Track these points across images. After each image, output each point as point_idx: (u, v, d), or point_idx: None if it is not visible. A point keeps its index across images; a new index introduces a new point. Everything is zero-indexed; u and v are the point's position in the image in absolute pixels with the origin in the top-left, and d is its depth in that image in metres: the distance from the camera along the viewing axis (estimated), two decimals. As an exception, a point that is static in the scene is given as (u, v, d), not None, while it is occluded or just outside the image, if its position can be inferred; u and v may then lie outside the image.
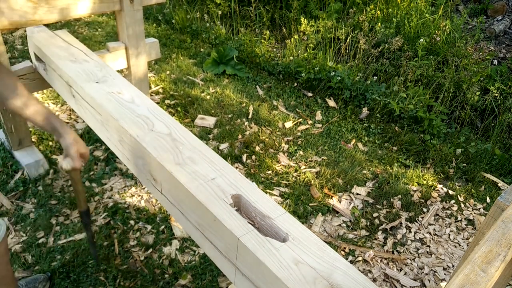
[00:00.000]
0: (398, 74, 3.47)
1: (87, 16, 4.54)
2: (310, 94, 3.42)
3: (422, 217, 2.36)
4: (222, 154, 2.62)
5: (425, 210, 2.41)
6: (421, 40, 3.42)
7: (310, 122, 3.08)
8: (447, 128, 3.08)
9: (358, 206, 2.37)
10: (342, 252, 2.08)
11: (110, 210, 2.14)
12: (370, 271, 2.01)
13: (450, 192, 2.56)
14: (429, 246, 2.19)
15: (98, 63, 1.90)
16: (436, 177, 2.66)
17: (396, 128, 3.08)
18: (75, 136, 1.31)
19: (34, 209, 2.10)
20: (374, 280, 1.97)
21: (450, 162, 2.81)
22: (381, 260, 2.07)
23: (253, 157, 2.62)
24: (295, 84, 3.52)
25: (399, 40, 3.45)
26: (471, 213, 2.43)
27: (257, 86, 3.47)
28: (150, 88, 3.23)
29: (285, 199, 2.33)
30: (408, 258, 2.10)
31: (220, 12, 4.40)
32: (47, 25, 2.48)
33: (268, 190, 2.37)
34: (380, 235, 2.21)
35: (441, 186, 2.61)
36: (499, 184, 2.66)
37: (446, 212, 2.42)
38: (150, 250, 1.97)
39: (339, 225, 2.24)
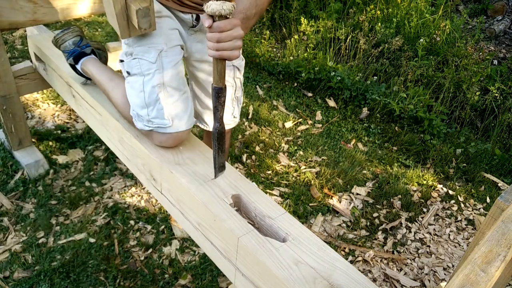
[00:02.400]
0: (398, 74, 3.47)
1: (87, 16, 4.54)
2: (310, 94, 3.42)
3: (422, 217, 2.36)
4: (222, 154, 2.62)
5: (425, 210, 2.41)
6: (421, 40, 3.42)
7: (310, 122, 3.08)
8: (447, 128, 3.08)
9: (358, 206, 2.37)
10: (342, 252, 2.08)
11: (110, 210, 2.14)
12: (370, 271, 2.01)
13: (450, 192, 2.56)
14: (429, 246, 2.19)
15: (98, 63, 1.90)
16: (436, 177, 2.66)
17: (396, 128, 3.08)
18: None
19: (34, 209, 2.10)
20: (374, 280, 1.97)
21: (450, 162, 2.81)
22: (381, 260, 2.07)
23: (253, 157, 2.62)
24: (295, 84, 3.52)
25: (399, 40, 3.45)
26: (471, 213, 2.43)
27: (257, 86, 3.46)
28: (150, 88, 3.22)
29: (285, 199, 2.33)
30: (408, 258, 2.10)
31: (220, 12, 4.39)
32: (47, 25, 2.48)
33: (268, 190, 2.37)
34: (380, 235, 2.21)
35: (441, 186, 2.61)
36: (499, 184, 2.66)
37: (446, 212, 2.42)
38: (150, 250, 1.97)
39: (339, 225, 2.24)
